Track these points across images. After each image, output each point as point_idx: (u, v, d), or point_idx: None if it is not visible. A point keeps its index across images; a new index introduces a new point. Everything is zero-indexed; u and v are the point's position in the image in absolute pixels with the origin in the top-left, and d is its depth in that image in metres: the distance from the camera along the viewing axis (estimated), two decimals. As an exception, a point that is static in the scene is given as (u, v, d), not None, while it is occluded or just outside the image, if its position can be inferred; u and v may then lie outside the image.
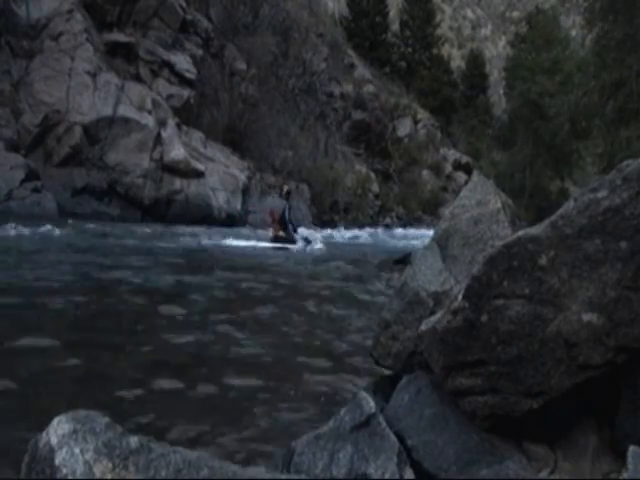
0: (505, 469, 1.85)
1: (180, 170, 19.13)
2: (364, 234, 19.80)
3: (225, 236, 13.43)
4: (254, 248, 12.46)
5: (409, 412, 2.09)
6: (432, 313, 2.26)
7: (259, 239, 13.67)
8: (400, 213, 30.77)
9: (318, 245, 13.46)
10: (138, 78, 20.42)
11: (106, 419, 1.44)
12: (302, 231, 14.36)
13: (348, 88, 32.43)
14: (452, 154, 38.22)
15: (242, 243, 12.84)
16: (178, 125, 20.07)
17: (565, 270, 1.79)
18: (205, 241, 12.97)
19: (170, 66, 21.13)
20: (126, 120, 18.44)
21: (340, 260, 11.44)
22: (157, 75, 21.00)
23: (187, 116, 21.21)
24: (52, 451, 1.35)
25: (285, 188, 14.83)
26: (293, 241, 13.19)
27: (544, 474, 1.87)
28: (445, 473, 1.91)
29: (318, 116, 30.24)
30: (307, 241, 13.41)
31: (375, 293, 7.36)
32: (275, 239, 13.21)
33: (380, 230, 23.82)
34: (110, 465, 1.34)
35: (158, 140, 18.89)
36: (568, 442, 1.92)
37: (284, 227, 13.27)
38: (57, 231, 11.71)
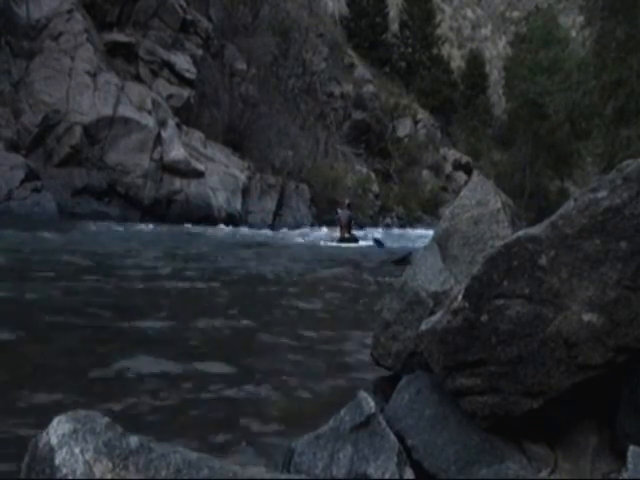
0: (505, 469, 1.85)
1: (180, 170, 19.15)
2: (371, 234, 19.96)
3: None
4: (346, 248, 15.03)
5: (409, 412, 2.09)
6: (432, 313, 2.26)
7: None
8: (400, 213, 30.79)
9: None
10: (138, 78, 20.43)
11: (106, 419, 1.43)
12: (374, 234, 18.42)
13: (348, 88, 32.44)
14: (452, 154, 38.26)
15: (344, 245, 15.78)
16: (178, 125, 20.07)
17: (565, 270, 1.79)
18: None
19: (170, 66, 21.14)
20: (126, 120, 18.45)
21: (340, 260, 11.48)
22: (157, 75, 21.01)
23: (187, 116, 21.22)
24: (52, 451, 1.34)
25: (347, 201, 18.56)
26: (356, 240, 16.50)
27: (544, 474, 1.86)
28: (445, 473, 1.91)
29: (318, 116, 30.25)
30: (379, 243, 16.07)
31: (375, 292, 7.36)
32: (342, 240, 16.38)
33: (381, 230, 23.87)
34: (110, 465, 1.34)
35: (158, 140, 18.90)
36: (568, 442, 1.92)
37: (349, 230, 16.63)
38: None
